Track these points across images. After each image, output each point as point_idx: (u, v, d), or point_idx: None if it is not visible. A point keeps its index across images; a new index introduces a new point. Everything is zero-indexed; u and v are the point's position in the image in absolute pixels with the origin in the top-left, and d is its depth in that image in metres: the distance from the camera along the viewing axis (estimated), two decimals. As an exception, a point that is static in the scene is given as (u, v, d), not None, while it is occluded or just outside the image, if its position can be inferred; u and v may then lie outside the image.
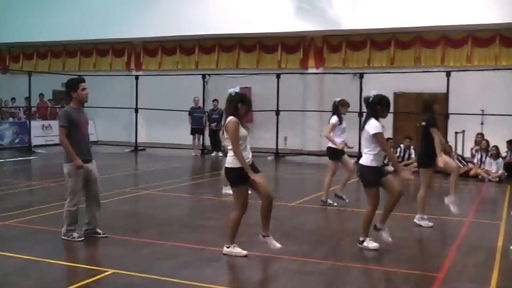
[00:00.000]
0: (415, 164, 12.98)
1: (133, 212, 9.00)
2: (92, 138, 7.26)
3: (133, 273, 5.48)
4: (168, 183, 11.64)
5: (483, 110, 16.01)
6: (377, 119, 6.47)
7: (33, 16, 22.03)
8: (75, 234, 6.70)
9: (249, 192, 6.13)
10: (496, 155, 13.17)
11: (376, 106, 6.48)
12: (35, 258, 5.99)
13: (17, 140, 19.50)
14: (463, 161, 13.94)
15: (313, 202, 9.72)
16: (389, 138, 13.75)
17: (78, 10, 21.42)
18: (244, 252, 6.11)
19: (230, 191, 9.61)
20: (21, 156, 17.01)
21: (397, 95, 17.71)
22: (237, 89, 6.22)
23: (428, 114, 7.85)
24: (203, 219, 8.39)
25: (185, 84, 19.73)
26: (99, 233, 6.88)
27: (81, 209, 6.86)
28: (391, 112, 6.77)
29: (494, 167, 13.07)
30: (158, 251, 6.37)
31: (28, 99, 19.99)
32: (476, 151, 13.90)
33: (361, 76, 16.47)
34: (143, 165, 16.19)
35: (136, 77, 19.50)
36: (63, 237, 6.70)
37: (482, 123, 15.85)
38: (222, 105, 16.47)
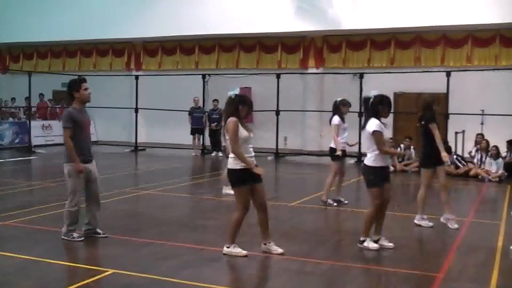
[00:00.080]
0: (415, 164, 13.02)
1: (133, 212, 9.00)
2: (92, 138, 7.26)
3: (133, 273, 5.48)
4: (168, 183, 11.64)
5: (483, 110, 16.01)
6: (378, 119, 6.47)
7: (33, 16, 22.03)
8: (75, 234, 6.70)
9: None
10: (496, 155, 13.17)
11: (378, 106, 6.48)
12: (35, 258, 5.98)
13: (17, 140, 19.50)
14: (462, 161, 13.93)
15: (313, 202, 9.72)
16: (390, 138, 13.75)
17: (78, 10, 21.42)
18: (244, 252, 6.11)
19: (230, 191, 9.69)
20: (21, 156, 17.01)
21: (397, 95, 17.71)
22: (236, 91, 6.23)
23: (428, 113, 7.85)
24: (203, 219, 8.39)
25: (185, 84, 19.72)
26: (99, 233, 6.88)
27: (81, 209, 6.86)
28: (391, 112, 6.74)
29: (494, 167, 13.07)
30: (158, 251, 6.37)
31: (28, 99, 19.99)
32: (477, 151, 13.89)
33: (361, 76, 16.46)
34: (143, 165, 16.19)
35: (136, 77, 19.50)
36: (63, 237, 6.70)
37: (482, 123, 15.85)
38: (222, 105, 16.51)
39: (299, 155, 18.21)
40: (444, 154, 7.67)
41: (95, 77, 17.09)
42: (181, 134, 19.35)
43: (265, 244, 6.29)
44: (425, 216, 7.87)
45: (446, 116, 14.92)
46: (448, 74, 15.08)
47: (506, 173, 12.99)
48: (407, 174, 13.79)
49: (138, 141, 19.69)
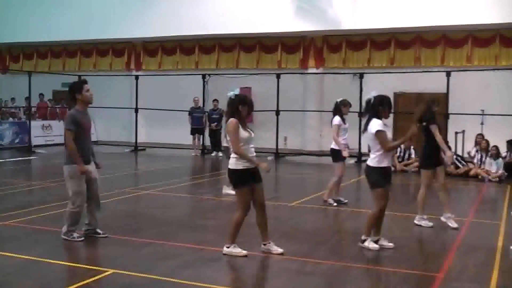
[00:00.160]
0: (415, 164, 13.03)
1: (133, 212, 9.00)
2: (92, 138, 7.27)
3: (133, 273, 5.48)
4: (168, 183, 11.64)
5: (483, 110, 16.02)
6: (379, 119, 6.46)
7: (33, 16, 22.03)
8: (75, 234, 6.71)
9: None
10: (496, 155, 13.17)
11: (378, 107, 6.47)
12: (35, 258, 5.98)
13: (17, 140, 19.50)
14: (462, 161, 13.93)
15: (313, 202, 9.72)
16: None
17: (78, 10, 21.43)
18: (244, 252, 6.11)
19: (230, 191, 9.70)
20: (21, 156, 17.01)
21: (397, 95, 17.71)
22: (236, 91, 6.24)
23: (428, 113, 7.85)
24: (203, 219, 8.39)
25: (185, 84, 19.72)
26: (99, 233, 6.88)
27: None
28: (391, 112, 6.73)
29: (494, 167, 13.07)
30: (158, 251, 6.37)
31: (28, 99, 19.99)
32: (477, 151, 13.88)
33: (361, 76, 16.47)
34: (143, 165, 16.20)
35: (136, 77, 19.50)
36: (63, 237, 6.71)
37: (482, 123, 15.85)
38: (222, 105, 16.56)
39: (299, 155, 18.21)
40: (449, 154, 7.67)
41: (95, 77, 17.12)
42: (181, 134, 19.35)
43: (264, 244, 6.30)
44: (425, 216, 7.87)
45: (446, 116, 14.92)
46: (448, 74, 15.08)
47: (506, 173, 12.99)
48: (407, 174, 13.79)
49: (138, 141, 19.70)
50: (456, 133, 15.17)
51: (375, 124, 6.41)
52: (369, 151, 6.75)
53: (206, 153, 18.12)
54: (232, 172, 6.09)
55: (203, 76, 18.71)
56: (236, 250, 6.12)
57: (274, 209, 8.97)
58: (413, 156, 14.34)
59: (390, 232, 6.98)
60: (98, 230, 6.90)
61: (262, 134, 18.07)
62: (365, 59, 18.86)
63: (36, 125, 20.15)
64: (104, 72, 22.03)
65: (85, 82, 6.85)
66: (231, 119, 6.00)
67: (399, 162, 14.22)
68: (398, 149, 14.65)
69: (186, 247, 6.56)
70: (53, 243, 6.65)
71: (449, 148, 13.58)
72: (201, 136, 18.56)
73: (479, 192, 11.67)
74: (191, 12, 19.60)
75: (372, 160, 6.47)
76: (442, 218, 7.88)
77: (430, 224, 7.79)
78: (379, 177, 6.44)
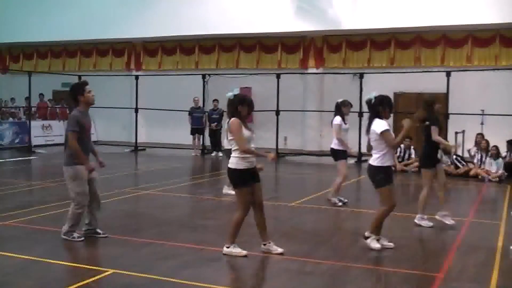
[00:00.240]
0: (416, 164, 13.03)
1: (133, 212, 9.00)
2: (92, 138, 7.29)
3: (133, 273, 5.48)
4: (168, 183, 11.64)
5: (483, 110, 16.02)
6: (380, 119, 6.46)
7: (33, 16, 22.04)
8: (75, 234, 6.71)
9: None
10: (496, 155, 13.17)
11: (378, 107, 6.47)
12: (35, 258, 5.98)
13: (17, 140, 19.50)
14: (462, 161, 13.93)
15: (313, 202, 9.72)
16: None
17: (78, 10, 21.43)
18: (244, 252, 6.11)
19: (230, 191, 9.70)
20: (21, 156, 17.01)
21: (397, 95, 17.71)
22: (235, 91, 6.24)
23: (429, 114, 7.83)
24: (203, 219, 8.39)
25: (185, 84, 19.73)
26: (99, 233, 6.89)
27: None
28: (392, 112, 6.71)
29: (494, 167, 13.07)
30: (158, 251, 6.37)
31: (28, 99, 19.99)
32: (477, 150, 13.89)
33: (361, 76, 16.48)
34: (143, 165, 16.20)
35: (136, 77, 19.50)
36: (63, 236, 6.71)
37: (482, 123, 15.86)
38: (222, 105, 16.56)
39: (299, 155, 18.21)
40: (453, 144, 7.65)
41: (95, 77, 17.09)
42: (181, 134, 19.35)
43: (264, 244, 6.30)
44: (425, 216, 7.87)
45: (446, 116, 14.92)
46: (448, 74, 15.08)
47: (506, 173, 12.99)
48: (407, 174, 13.80)
49: (138, 141, 19.70)
50: (456, 133, 15.17)
51: (380, 124, 6.40)
52: (368, 150, 6.75)
53: (206, 153, 18.12)
54: (232, 172, 6.08)
55: (203, 76, 18.71)
56: (236, 250, 6.12)
57: (274, 209, 8.97)
58: (413, 156, 14.34)
59: (390, 232, 6.98)
60: (98, 230, 6.90)
61: (262, 134, 18.09)
62: (365, 59, 18.86)
63: (36, 125, 20.14)
64: (104, 72, 22.02)
65: (86, 83, 6.89)
66: (233, 119, 6.00)
67: (399, 162, 14.22)
68: (398, 149, 14.65)
69: (186, 247, 6.56)
70: (53, 243, 6.65)
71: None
72: (201, 136, 18.55)
73: (479, 192, 11.67)
74: (191, 12, 19.60)
75: (375, 160, 6.47)
76: (437, 216, 7.86)
77: (430, 224, 7.80)
78: (383, 176, 6.43)
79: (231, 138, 6.04)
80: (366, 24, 17.74)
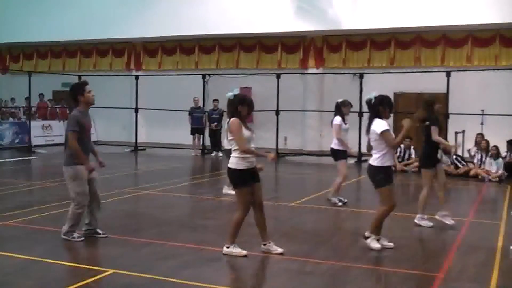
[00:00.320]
0: (416, 164, 13.03)
1: (133, 212, 9.00)
2: (92, 138, 7.30)
3: (133, 273, 5.48)
4: (168, 183, 11.64)
5: (483, 110, 16.02)
6: (380, 119, 6.46)
7: (33, 16, 22.04)
8: (76, 234, 6.71)
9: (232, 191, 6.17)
10: (496, 155, 13.17)
11: (378, 107, 6.47)
12: (35, 258, 5.98)
13: (17, 140, 19.50)
14: (462, 161, 13.93)
15: (313, 202, 9.72)
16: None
17: (78, 10, 21.43)
18: (244, 252, 6.11)
19: (230, 191, 9.70)
20: (21, 156, 17.00)
21: (397, 95, 17.71)
22: (235, 91, 6.24)
23: (429, 114, 7.82)
24: (203, 219, 8.39)
25: (185, 84, 19.73)
26: (99, 233, 6.89)
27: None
28: (392, 112, 6.71)
29: (494, 167, 13.07)
30: (158, 251, 6.37)
31: (28, 99, 19.99)
32: (477, 150, 13.89)
33: (361, 76, 16.48)
34: (143, 165, 16.20)
35: (136, 77, 19.50)
36: (63, 236, 6.71)
37: (482, 123, 15.86)
38: (222, 105, 16.56)
39: (299, 155, 18.21)
40: (453, 144, 7.64)
41: (95, 77, 17.09)
42: (181, 134, 19.35)
43: (264, 244, 6.30)
44: (425, 216, 7.87)
45: (446, 116, 14.93)
46: (448, 74, 15.08)
47: (506, 173, 12.99)
48: (407, 174, 13.79)
49: (138, 141, 19.70)
50: (456, 133, 15.16)
51: (380, 124, 6.40)
52: (368, 150, 6.75)
53: (206, 153, 18.12)
54: (232, 172, 6.08)
55: (203, 76, 18.71)
56: (236, 250, 6.11)
57: (274, 209, 8.98)
58: (413, 156, 14.34)
59: (390, 232, 6.98)
60: (98, 230, 6.90)
61: (262, 134, 18.10)
62: (365, 59, 18.86)
63: (36, 125, 20.14)
64: (104, 72, 22.02)
65: (86, 83, 6.90)
66: (233, 119, 6.00)
67: (399, 162, 14.21)
68: (398, 149, 14.65)
69: (186, 247, 6.56)
70: (53, 243, 6.65)
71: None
72: (201, 136, 18.55)
73: (479, 192, 11.67)
74: (191, 12, 19.60)
75: (376, 160, 6.46)
76: (437, 216, 7.86)
77: (430, 224, 7.80)
78: (383, 176, 6.43)
79: (231, 138, 6.04)
80: (366, 24, 17.74)
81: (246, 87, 19.00)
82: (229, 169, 6.12)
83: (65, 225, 6.75)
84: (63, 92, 21.62)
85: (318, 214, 8.98)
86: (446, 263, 6.08)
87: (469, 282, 5.47)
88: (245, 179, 6.02)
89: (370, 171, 6.59)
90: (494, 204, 10.68)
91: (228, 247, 6.15)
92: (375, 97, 6.52)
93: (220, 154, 17.28)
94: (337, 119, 9.13)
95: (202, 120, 18.28)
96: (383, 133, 6.36)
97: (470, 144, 14.75)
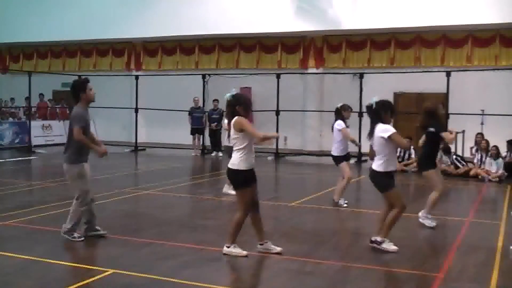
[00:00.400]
0: (415, 164, 13.02)
1: (133, 212, 9.00)
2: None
3: (133, 273, 5.48)
4: (168, 183, 11.64)
5: (483, 110, 16.02)
6: (383, 123, 6.44)
7: (33, 16, 22.04)
8: (76, 234, 6.72)
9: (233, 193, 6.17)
10: (496, 155, 13.17)
11: (380, 113, 6.46)
12: (35, 258, 5.98)
13: (17, 140, 19.49)
14: (462, 161, 13.93)
15: (313, 202, 9.72)
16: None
17: (78, 10, 21.43)
18: (244, 253, 6.11)
19: (231, 191, 9.71)
20: (21, 156, 17.00)
21: (397, 95, 17.72)
22: (233, 92, 6.24)
23: (434, 121, 7.77)
24: (203, 219, 8.39)
25: (185, 84, 19.73)
26: (98, 230, 6.91)
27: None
28: (393, 117, 6.67)
29: (494, 167, 13.07)
30: (158, 251, 6.37)
31: (28, 99, 19.99)
32: (476, 150, 13.90)
33: (361, 76, 16.48)
34: (143, 165, 16.19)
35: (136, 77, 19.50)
36: (63, 234, 6.70)
37: (482, 123, 15.86)
38: (222, 105, 16.55)
39: (299, 155, 18.21)
40: (451, 136, 7.60)
41: (95, 77, 17.00)
42: (181, 134, 19.35)
43: (261, 244, 6.28)
44: (429, 215, 7.80)
45: (446, 116, 14.92)
46: (448, 74, 15.08)
47: (506, 173, 12.99)
48: (407, 174, 13.80)
49: (138, 141, 19.70)
50: (456, 133, 15.14)
51: (386, 129, 6.36)
52: (371, 157, 6.72)
53: (206, 153, 18.12)
54: (235, 173, 6.05)
55: (203, 76, 18.71)
56: (237, 250, 6.11)
57: (274, 209, 8.98)
58: (413, 156, 14.34)
59: (390, 232, 6.96)
60: (97, 227, 6.92)
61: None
62: (365, 59, 18.86)
63: (36, 125, 20.13)
64: (104, 72, 22.01)
65: (88, 80, 6.97)
66: (236, 117, 5.99)
67: (399, 162, 14.20)
68: (398, 149, 14.65)
69: (186, 247, 6.55)
70: (53, 243, 6.64)
71: (449, 148, 13.67)
72: (201, 136, 18.56)
73: (479, 192, 11.67)
74: (191, 12, 19.60)
75: (380, 166, 6.43)
76: (420, 214, 7.81)
77: (433, 224, 7.73)
78: (389, 180, 6.44)
79: (236, 136, 6.01)
80: (366, 24, 17.74)
81: (246, 87, 19.00)
82: (231, 169, 6.09)
83: (66, 223, 6.75)
84: (63, 92, 21.63)
85: (318, 214, 8.98)
86: (446, 263, 6.08)
87: (469, 282, 5.47)
88: (247, 180, 6.02)
89: (374, 178, 6.55)
90: (494, 204, 10.68)
91: (228, 247, 6.14)
92: (376, 102, 6.50)
93: (220, 154, 17.28)
94: (341, 123, 9.11)
95: (202, 120, 18.28)
96: (392, 136, 6.34)
97: (470, 144, 14.76)
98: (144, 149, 19.46)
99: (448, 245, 6.98)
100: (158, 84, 20.91)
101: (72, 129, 6.66)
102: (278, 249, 6.25)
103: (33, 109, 21.33)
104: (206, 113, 18.28)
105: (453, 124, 14.99)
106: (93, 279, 5.33)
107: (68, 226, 6.73)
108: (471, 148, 14.24)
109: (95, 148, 6.78)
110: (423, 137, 7.98)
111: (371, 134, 6.52)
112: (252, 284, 5.65)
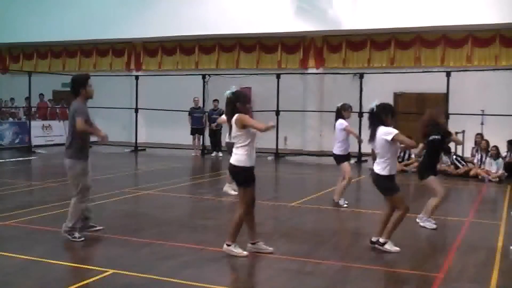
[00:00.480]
0: (415, 164, 13.02)
1: (133, 212, 9.00)
2: (92, 137, 7.34)
3: (133, 273, 5.48)
4: (168, 183, 11.63)
5: (483, 110, 16.02)
6: (385, 126, 6.43)
7: (33, 16, 22.04)
8: (76, 234, 6.71)
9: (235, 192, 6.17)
10: (496, 155, 13.17)
11: (381, 116, 6.46)
12: (35, 258, 5.98)
13: (17, 140, 19.49)
14: (462, 161, 13.94)
15: (313, 202, 9.72)
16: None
17: (78, 10, 21.44)
18: (245, 253, 6.10)
19: (231, 192, 9.72)
20: (21, 156, 17.00)
21: (397, 95, 17.72)
22: (233, 89, 6.25)
23: (437, 128, 7.75)
24: (203, 219, 8.39)
25: (185, 84, 19.72)
26: (95, 226, 6.94)
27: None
28: (394, 119, 6.66)
29: (494, 167, 13.06)
30: (158, 251, 6.37)
31: (28, 99, 19.99)
32: (476, 150, 13.90)
33: (361, 76, 16.48)
34: (143, 165, 16.19)
35: (136, 77, 19.50)
36: (64, 233, 6.70)
37: (482, 123, 15.86)
38: (222, 105, 16.51)
39: (299, 155, 18.21)
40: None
41: (95, 77, 16.94)
42: (181, 134, 19.34)
43: (253, 243, 6.26)
44: (430, 218, 7.77)
45: (446, 116, 14.89)
46: (448, 74, 15.09)
47: (506, 173, 12.98)
48: (407, 174, 13.78)
49: (138, 141, 19.69)
50: (456, 133, 15.14)
51: (388, 131, 6.35)
52: (374, 159, 6.72)
53: (206, 153, 18.11)
54: (238, 170, 6.06)
55: (203, 76, 18.71)
56: (237, 250, 6.10)
57: (274, 209, 8.98)
58: (412, 156, 14.31)
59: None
60: (93, 224, 6.95)
61: (262, 134, 18.09)
62: (365, 59, 18.86)
63: (36, 125, 20.13)
64: (104, 72, 22.01)
65: (89, 77, 6.99)
66: (238, 115, 6.00)
67: (399, 162, 14.20)
68: (398, 150, 14.64)
69: (186, 247, 6.55)
70: (53, 243, 6.64)
71: (449, 148, 13.67)
72: (201, 136, 18.55)
73: (479, 192, 11.66)
74: (191, 12, 19.60)
75: (383, 170, 6.40)
76: (418, 220, 7.79)
77: (434, 226, 7.72)
78: (393, 183, 6.45)
79: (239, 133, 6.02)
80: (366, 24, 17.74)
81: (246, 87, 18.98)
82: (235, 166, 6.06)
83: (67, 221, 6.74)
84: (63, 92, 21.61)
85: (318, 214, 8.98)
86: (446, 263, 6.08)
87: (469, 282, 5.46)
88: (250, 178, 6.06)
89: (378, 181, 6.52)
90: (494, 204, 10.68)
91: (229, 245, 6.13)
92: (377, 105, 6.50)
93: (220, 154, 17.28)
94: (342, 122, 9.11)
95: (202, 120, 18.28)
96: (396, 137, 6.33)
97: (470, 144, 14.75)
98: (144, 149, 19.45)
99: (448, 245, 6.98)
100: (158, 84, 20.92)
101: (74, 123, 6.64)
102: (270, 249, 6.23)
103: (33, 109, 21.32)
104: (206, 113, 18.27)
105: (453, 124, 14.99)
106: (93, 279, 5.33)
107: (69, 225, 6.72)
108: (473, 148, 14.24)
109: (98, 132, 6.91)
110: (421, 145, 7.96)
111: (372, 137, 6.51)
112: (252, 284, 5.65)
